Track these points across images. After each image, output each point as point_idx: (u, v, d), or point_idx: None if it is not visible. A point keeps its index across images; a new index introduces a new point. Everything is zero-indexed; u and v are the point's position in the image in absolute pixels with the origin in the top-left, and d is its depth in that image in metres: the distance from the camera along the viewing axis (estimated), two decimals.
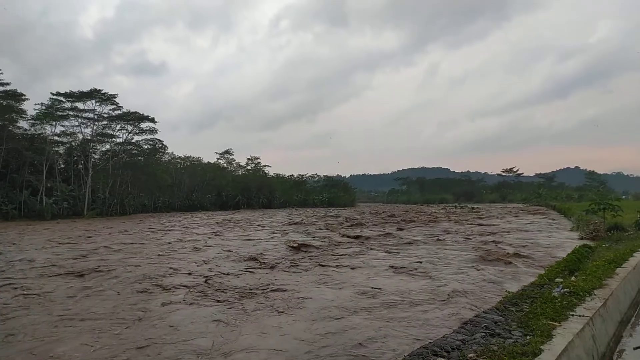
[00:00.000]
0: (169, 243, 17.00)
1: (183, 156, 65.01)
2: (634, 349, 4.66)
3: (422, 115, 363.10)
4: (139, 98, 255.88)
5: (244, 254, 13.07)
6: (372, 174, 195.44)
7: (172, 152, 61.74)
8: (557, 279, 6.25)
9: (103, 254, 13.63)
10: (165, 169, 55.68)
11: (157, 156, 53.99)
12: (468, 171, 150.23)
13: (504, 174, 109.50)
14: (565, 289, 5.29)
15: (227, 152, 71.32)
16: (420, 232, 21.07)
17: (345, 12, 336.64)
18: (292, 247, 14.93)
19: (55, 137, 43.28)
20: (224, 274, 10.06)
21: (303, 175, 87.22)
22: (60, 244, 17.03)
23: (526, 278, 8.64)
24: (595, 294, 5.13)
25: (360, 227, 24.65)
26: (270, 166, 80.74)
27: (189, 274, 10.10)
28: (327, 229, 23.45)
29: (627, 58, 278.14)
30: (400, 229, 22.80)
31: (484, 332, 3.94)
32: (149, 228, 25.89)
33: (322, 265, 11.20)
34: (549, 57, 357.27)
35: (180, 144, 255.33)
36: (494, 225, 25.67)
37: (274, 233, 21.32)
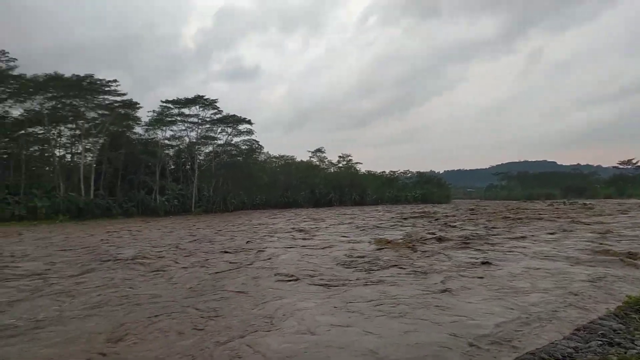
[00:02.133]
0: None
1: (277, 155, 67.24)
2: None
3: (524, 105, 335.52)
4: (236, 102, 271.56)
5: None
6: (467, 169, 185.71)
7: (268, 152, 64.08)
8: None
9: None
10: (262, 168, 57.82)
11: (254, 156, 56.18)
12: (578, 164, 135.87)
13: (620, 167, 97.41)
14: None
15: (319, 150, 72.08)
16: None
17: (437, 2, 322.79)
18: None
19: (166, 141, 47.07)
20: None
21: (395, 171, 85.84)
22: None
23: None
24: None
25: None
26: (361, 163, 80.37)
27: None
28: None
29: None
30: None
31: (601, 341, 3.53)
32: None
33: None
34: None
35: (274, 144, 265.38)
36: (611, 223, 22.18)
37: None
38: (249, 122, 50.26)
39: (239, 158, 52.39)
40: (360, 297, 7.06)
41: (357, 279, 8.54)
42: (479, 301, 6.57)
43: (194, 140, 48.33)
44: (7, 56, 32.63)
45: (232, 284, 8.30)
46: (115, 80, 37.82)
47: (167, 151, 47.13)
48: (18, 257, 12.31)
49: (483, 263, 10.05)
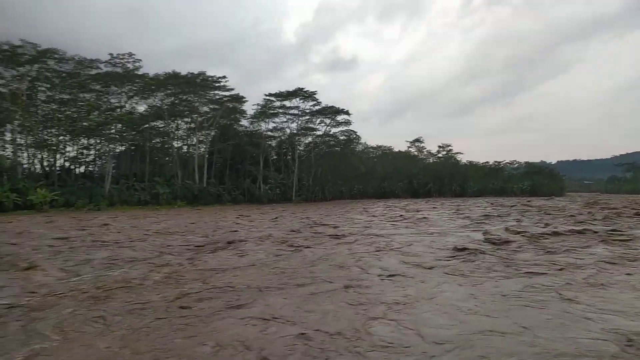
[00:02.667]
0: None
1: (375, 146, 66.64)
2: None
3: None
4: (334, 93, 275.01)
5: None
6: (584, 159, 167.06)
7: (365, 142, 63.79)
8: None
9: None
10: (359, 158, 57.78)
11: (351, 146, 56.27)
12: None
13: None
14: None
15: (417, 140, 69.99)
16: None
17: None
18: None
19: (269, 132, 49.22)
20: None
21: (500, 162, 79.99)
22: None
23: None
24: None
25: None
26: (462, 153, 76.03)
27: None
28: None
29: None
30: None
31: None
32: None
33: None
34: None
35: (372, 134, 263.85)
36: None
37: None
38: (346, 112, 50.38)
39: (337, 148, 52.87)
40: (498, 287, 6.59)
41: (488, 269, 7.94)
42: (630, 298, 5.85)
43: (295, 132, 49.86)
44: (134, 57, 36.46)
45: (373, 266, 8.30)
46: (224, 77, 40.42)
47: (269, 142, 49.25)
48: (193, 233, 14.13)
49: (625, 259, 8.76)
